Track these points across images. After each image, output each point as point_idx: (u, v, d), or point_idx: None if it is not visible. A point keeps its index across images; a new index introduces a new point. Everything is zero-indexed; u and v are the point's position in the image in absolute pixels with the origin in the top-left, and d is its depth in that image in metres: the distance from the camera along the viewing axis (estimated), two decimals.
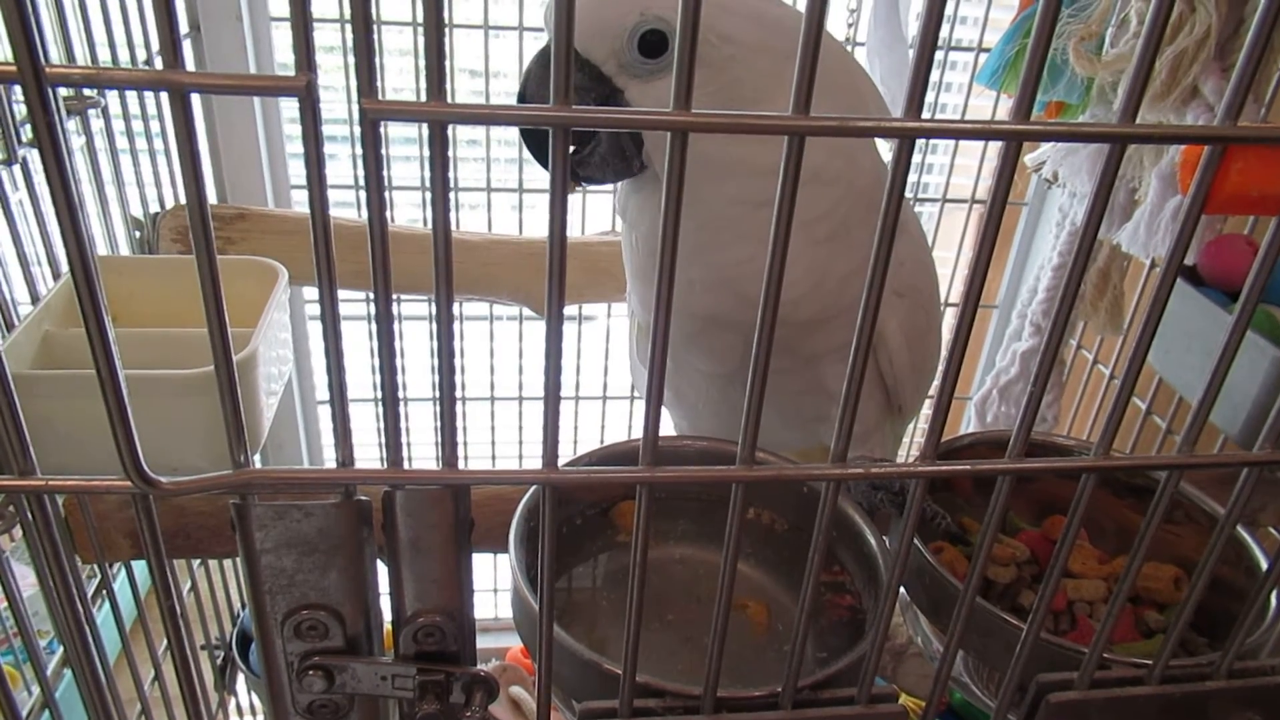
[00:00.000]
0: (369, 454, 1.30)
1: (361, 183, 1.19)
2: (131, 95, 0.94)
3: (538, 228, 1.24)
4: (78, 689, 0.48)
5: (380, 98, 0.29)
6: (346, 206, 1.30)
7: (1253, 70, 0.33)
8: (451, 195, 0.32)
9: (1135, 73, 0.32)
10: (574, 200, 1.33)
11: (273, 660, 0.41)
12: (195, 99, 0.29)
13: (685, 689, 0.46)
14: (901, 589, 0.64)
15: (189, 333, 0.76)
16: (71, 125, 0.86)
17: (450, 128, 0.30)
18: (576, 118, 0.30)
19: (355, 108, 1.16)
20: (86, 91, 0.84)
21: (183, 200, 1.03)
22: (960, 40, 1.25)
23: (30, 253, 0.81)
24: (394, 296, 0.35)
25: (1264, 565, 0.62)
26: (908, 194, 0.59)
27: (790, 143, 0.31)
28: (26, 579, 1.03)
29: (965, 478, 0.74)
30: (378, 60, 0.28)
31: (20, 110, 0.75)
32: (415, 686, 0.41)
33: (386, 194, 0.34)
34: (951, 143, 1.34)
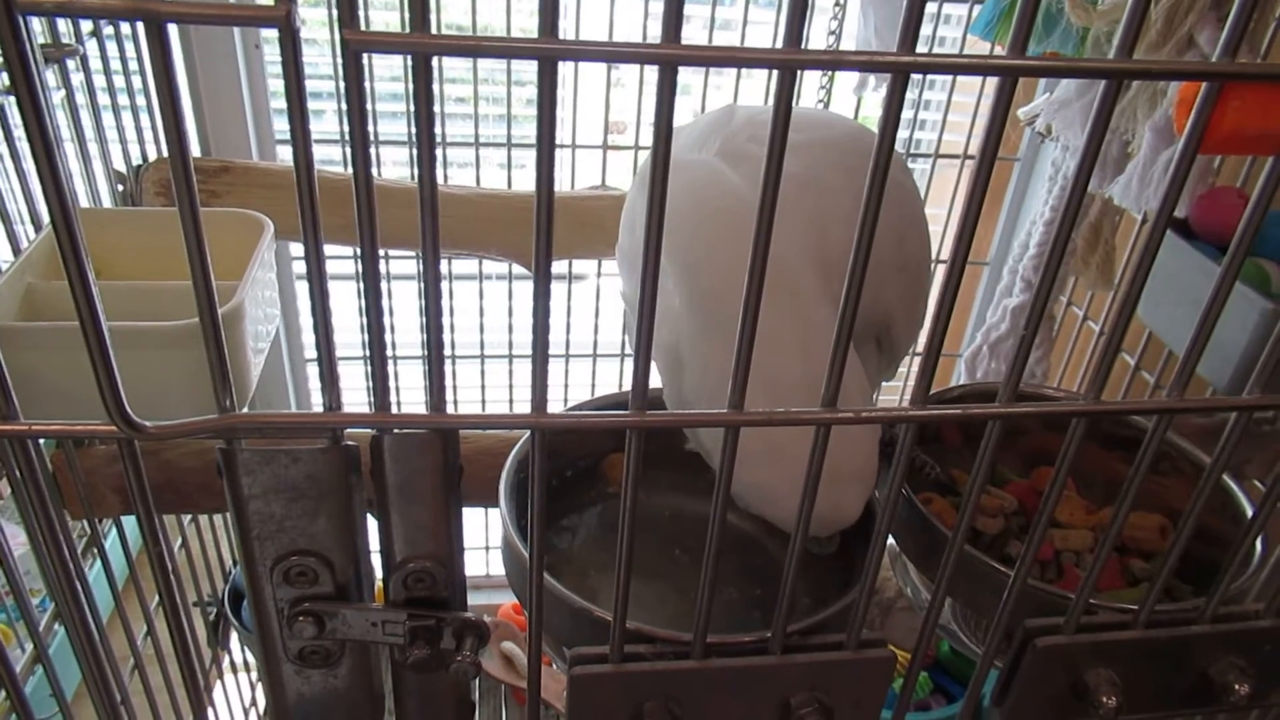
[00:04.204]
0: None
1: (347, 137, 1.17)
2: (112, 49, 0.92)
3: (527, 186, 1.23)
4: (70, 645, 0.48)
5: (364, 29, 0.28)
6: (332, 164, 1.29)
7: (1250, 6, 0.32)
8: (439, 151, 0.32)
9: (1131, 11, 0.32)
10: (563, 155, 1.32)
11: (263, 607, 0.41)
12: (176, 46, 0.29)
13: (675, 635, 0.47)
14: (891, 539, 0.65)
15: (173, 285, 0.75)
16: (50, 78, 0.85)
17: (437, 66, 0.30)
18: (565, 50, 0.29)
19: (339, 60, 1.14)
20: (64, 41, 0.82)
21: (165, 153, 1.01)
22: None
23: (11, 209, 0.80)
24: (380, 250, 0.34)
25: (1249, 513, 0.62)
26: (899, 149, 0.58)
27: (782, 77, 0.31)
28: (17, 539, 1.03)
29: (954, 429, 0.74)
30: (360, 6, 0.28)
31: None
32: (406, 632, 0.41)
33: (371, 144, 0.33)
34: (944, 99, 1.33)
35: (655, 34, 0.29)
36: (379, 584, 0.43)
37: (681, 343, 0.56)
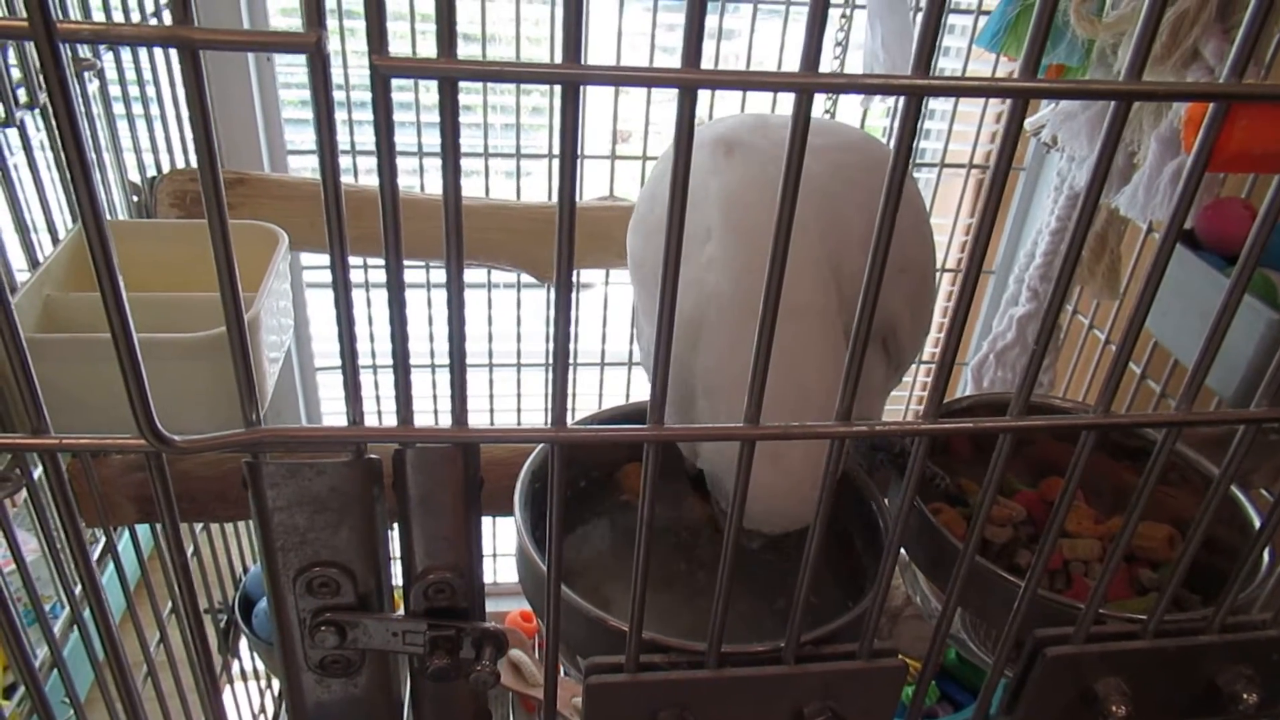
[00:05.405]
0: (370, 422, 1.30)
1: (360, 148, 1.17)
2: (127, 59, 0.94)
3: (535, 195, 1.24)
4: (84, 649, 0.49)
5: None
6: (343, 173, 1.29)
7: (1258, 28, 0.33)
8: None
9: (1141, 33, 0.33)
10: None
11: (285, 617, 0.42)
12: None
13: (689, 644, 0.47)
14: (901, 549, 0.65)
15: (188, 297, 0.76)
16: None
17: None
18: (588, 75, 0.30)
19: (351, 73, 1.14)
20: (82, 54, 0.83)
21: (180, 165, 1.02)
22: (959, 3, 1.24)
23: (29, 219, 0.80)
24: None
25: (1257, 524, 0.63)
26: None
27: (798, 99, 0.31)
28: (28, 544, 1.04)
29: (964, 440, 0.74)
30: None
31: (16, 73, 0.74)
32: (426, 641, 0.42)
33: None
34: (949, 109, 1.33)
35: (663, 43, 0.30)
36: (397, 595, 0.44)
37: (709, 312, 0.55)
